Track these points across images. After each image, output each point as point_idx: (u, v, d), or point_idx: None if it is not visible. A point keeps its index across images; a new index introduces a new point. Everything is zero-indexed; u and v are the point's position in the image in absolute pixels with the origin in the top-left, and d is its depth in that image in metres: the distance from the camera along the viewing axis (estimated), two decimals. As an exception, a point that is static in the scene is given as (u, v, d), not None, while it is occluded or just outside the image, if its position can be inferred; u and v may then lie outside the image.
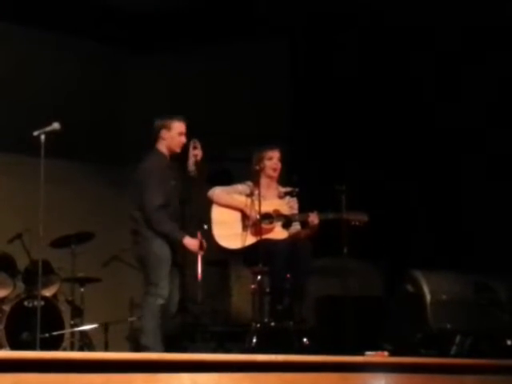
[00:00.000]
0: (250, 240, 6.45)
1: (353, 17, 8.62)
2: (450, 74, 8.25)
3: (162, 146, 6.31)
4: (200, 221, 6.46)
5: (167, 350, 5.92)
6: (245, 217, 6.54)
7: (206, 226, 6.41)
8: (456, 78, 8.20)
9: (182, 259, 6.32)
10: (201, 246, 6.15)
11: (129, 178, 6.52)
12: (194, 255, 6.20)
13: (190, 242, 6.13)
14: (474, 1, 7.90)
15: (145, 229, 6.13)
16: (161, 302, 6.02)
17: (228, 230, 6.52)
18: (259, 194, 6.39)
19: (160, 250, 6.09)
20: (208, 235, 6.48)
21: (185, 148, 6.33)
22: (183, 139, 6.30)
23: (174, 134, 6.28)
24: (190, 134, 6.37)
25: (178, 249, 6.20)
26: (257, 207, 6.39)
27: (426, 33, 8.25)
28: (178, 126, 6.29)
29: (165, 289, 6.03)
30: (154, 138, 6.35)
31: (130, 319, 8.08)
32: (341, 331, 5.99)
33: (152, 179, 6.17)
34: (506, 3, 7.76)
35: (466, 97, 8.11)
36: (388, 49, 8.54)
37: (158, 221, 6.07)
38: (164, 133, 6.28)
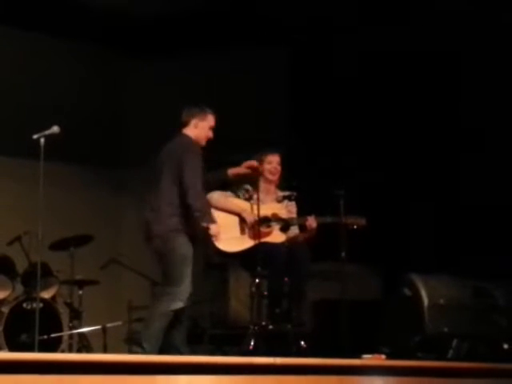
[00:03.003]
0: (249, 243, 6.46)
1: (351, 21, 8.64)
2: (450, 74, 8.27)
3: (192, 134, 6.21)
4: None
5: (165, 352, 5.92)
6: (243, 220, 6.55)
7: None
8: (456, 77, 8.22)
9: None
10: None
11: (155, 159, 6.29)
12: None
13: (217, 231, 6.07)
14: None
15: (164, 226, 5.97)
16: (180, 305, 5.89)
17: (226, 234, 6.51)
18: (257, 198, 6.41)
19: (186, 248, 5.97)
20: (207, 239, 6.50)
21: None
22: (211, 134, 6.27)
23: (206, 126, 6.24)
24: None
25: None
26: (255, 211, 6.41)
27: (426, 34, 8.27)
28: (211, 119, 6.27)
29: (187, 291, 5.92)
30: (182, 124, 6.26)
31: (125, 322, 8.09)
32: (338, 334, 6.00)
33: (195, 155, 6.05)
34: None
35: (465, 96, 8.12)
36: (387, 53, 8.57)
37: (196, 196, 5.90)
38: (196, 122, 6.22)
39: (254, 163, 6.47)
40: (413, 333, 6.58)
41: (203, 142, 6.26)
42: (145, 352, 5.69)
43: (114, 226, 9.57)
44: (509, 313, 6.72)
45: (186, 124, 6.27)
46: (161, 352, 5.82)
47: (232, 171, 6.51)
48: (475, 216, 7.84)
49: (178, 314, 6.02)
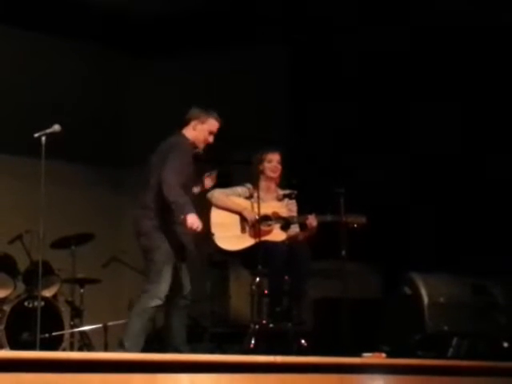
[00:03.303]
0: (249, 242, 6.48)
1: (350, 21, 8.65)
2: (450, 73, 8.27)
3: (189, 135, 6.14)
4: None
5: (166, 350, 5.93)
6: (243, 219, 6.57)
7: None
8: (456, 77, 8.22)
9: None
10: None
11: (149, 158, 6.17)
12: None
13: (194, 221, 5.77)
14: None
15: (151, 223, 5.94)
16: (158, 302, 5.85)
17: (227, 232, 6.54)
18: (258, 197, 6.42)
19: (166, 246, 5.91)
20: (207, 237, 6.51)
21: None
22: (211, 139, 6.16)
23: (205, 129, 6.14)
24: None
25: (187, 243, 6.06)
26: (256, 209, 6.42)
27: (426, 34, 8.28)
28: (212, 124, 6.16)
29: (165, 290, 5.86)
30: (183, 124, 6.20)
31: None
32: (339, 333, 6.01)
33: (180, 153, 5.96)
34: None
35: (467, 96, 8.12)
36: (387, 51, 8.57)
37: (169, 189, 5.78)
38: (196, 123, 6.14)
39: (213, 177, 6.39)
40: (413, 331, 6.59)
41: (201, 145, 6.16)
42: (126, 350, 5.62)
43: (115, 225, 9.59)
44: (508, 311, 6.72)
45: (185, 124, 6.21)
46: (161, 352, 5.82)
47: (198, 189, 6.37)
48: (475, 215, 7.85)
49: (177, 313, 6.03)
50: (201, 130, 6.14)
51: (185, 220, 5.75)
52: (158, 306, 5.88)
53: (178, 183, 5.83)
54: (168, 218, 5.94)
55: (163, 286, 5.87)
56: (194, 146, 6.14)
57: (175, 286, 5.98)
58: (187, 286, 6.10)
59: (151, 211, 5.97)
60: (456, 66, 8.25)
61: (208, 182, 6.40)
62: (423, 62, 8.40)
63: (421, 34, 8.29)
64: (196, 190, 6.33)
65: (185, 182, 5.93)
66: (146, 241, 5.99)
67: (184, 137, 6.16)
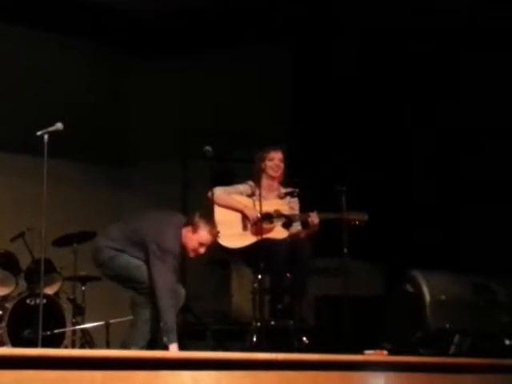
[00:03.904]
0: (251, 239, 6.48)
1: (352, 19, 8.65)
2: (450, 73, 8.27)
3: (183, 237, 5.92)
4: None
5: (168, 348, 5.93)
6: (245, 217, 6.57)
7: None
8: (456, 77, 8.22)
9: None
10: None
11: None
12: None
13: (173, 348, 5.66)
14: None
15: (111, 248, 5.92)
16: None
17: (229, 230, 6.53)
18: (260, 194, 6.43)
19: (133, 261, 5.89)
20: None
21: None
22: (201, 250, 5.93)
23: (194, 239, 5.87)
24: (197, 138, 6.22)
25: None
26: (257, 207, 6.43)
27: (426, 33, 8.28)
28: (204, 237, 5.89)
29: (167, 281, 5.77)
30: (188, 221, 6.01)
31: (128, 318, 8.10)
32: (340, 330, 6.01)
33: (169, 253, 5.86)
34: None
35: (466, 96, 8.12)
36: (387, 49, 8.57)
37: (165, 302, 5.73)
38: (187, 229, 5.88)
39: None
40: (415, 329, 6.58)
41: (190, 253, 5.96)
42: None
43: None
44: (510, 309, 6.73)
45: (188, 223, 5.97)
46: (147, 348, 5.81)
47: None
48: (477, 212, 7.85)
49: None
50: (191, 239, 5.91)
51: (167, 347, 5.66)
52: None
53: (169, 284, 5.77)
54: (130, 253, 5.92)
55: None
56: (182, 248, 5.96)
57: None
58: (181, 291, 6.07)
59: (113, 241, 5.96)
60: (455, 66, 8.25)
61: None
62: (424, 61, 8.39)
63: (421, 33, 8.29)
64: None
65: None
66: (107, 270, 6.02)
67: (175, 233, 5.94)
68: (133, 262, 5.90)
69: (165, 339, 5.67)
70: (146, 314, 5.89)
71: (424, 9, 8.16)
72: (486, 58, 7.96)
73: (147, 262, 5.82)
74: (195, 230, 5.89)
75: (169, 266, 5.78)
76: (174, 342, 5.67)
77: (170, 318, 5.71)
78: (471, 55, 8.07)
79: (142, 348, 5.78)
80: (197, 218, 5.92)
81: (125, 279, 5.96)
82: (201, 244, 5.90)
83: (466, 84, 8.11)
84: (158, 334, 5.79)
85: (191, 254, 5.97)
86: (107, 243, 6.00)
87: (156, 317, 5.87)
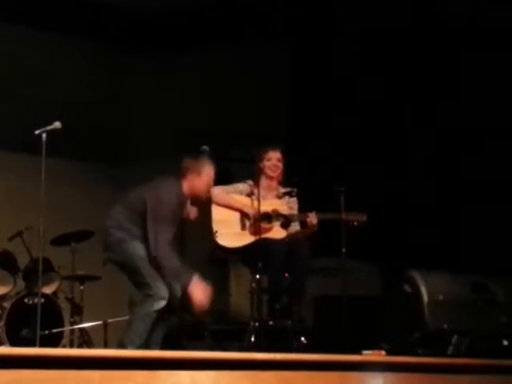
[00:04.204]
0: (249, 239, 6.49)
1: (352, 18, 8.65)
2: (450, 73, 8.27)
3: (186, 188, 6.00)
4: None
5: (166, 347, 5.93)
6: (244, 216, 6.57)
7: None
8: (456, 77, 8.22)
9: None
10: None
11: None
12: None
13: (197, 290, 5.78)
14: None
15: (120, 233, 5.92)
16: (162, 303, 5.77)
17: (227, 229, 6.54)
18: (258, 194, 6.43)
19: (140, 248, 5.85)
20: (208, 234, 6.52)
21: None
22: (211, 183, 6.09)
23: (203, 180, 6.02)
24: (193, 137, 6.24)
25: None
26: (256, 206, 6.43)
27: (426, 34, 8.28)
28: (209, 171, 6.03)
29: (162, 288, 5.78)
30: (180, 172, 6.07)
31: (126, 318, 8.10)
32: (338, 330, 6.01)
33: (170, 206, 5.88)
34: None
35: (466, 96, 8.12)
36: (387, 49, 8.57)
37: (164, 252, 5.77)
38: (192, 176, 5.98)
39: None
40: (413, 329, 6.58)
41: (202, 195, 6.06)
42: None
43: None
44: (509, 309, 6.73)
45: (182, 174, 6.03)
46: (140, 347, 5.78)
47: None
48: (475, 212, 7.85)
49: (161, 325, 5.96)
50: (199, 182, 6.00)
51: (189, 293, 5.73)
52: (161, 308, 5.81)
53: (168, 240, 5.78)
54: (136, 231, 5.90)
55: (160, 284, 5.81)
56: (193, 197, 6.05)
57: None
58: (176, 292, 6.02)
59: (120, 223, 5.96)
60: (455, 65, 8.25)
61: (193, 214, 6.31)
62: (424, 61, 8.40)
63: (420, 32, 8.29)
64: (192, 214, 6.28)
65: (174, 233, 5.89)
66: (113, 255, 6.01)
67: (178, 187, 5.99)
68: (139, 252, 5.85)
69: (178, 287, 5.76)
70: (140, 311, 5.86)
71: (424, 9, 8.16)
72: (485, 58, 7.96)
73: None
74: (199, 172, 5.97)
75: (167, 225, 5.78)
76: (190, 279, 5.70)
77: (173, 264, 5.73)
78: (471, 55, 8.06)
79: (138, 347, 5.75)
80: (192, 163, 5.99)
81: (129, 269, 5.95)
82: (208, 182, 6.02)
83: (465, 84, 8.10)
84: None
85: (203, 195, 6.03)
86: (112, 223, 6.00)
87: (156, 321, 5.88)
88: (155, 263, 5.80)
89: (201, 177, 6.01)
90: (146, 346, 5.89)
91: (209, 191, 6.14)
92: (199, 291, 5.81)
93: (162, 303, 5.79)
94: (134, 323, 5.86)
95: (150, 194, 5.91)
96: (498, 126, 7.91)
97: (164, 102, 9.69)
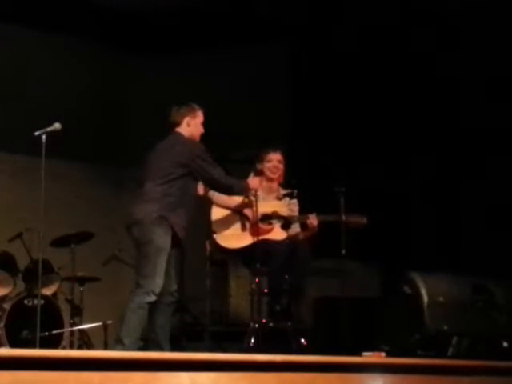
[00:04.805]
0: (249, 240, 6.48)
1: (352, 18, 8.65)
2: (450, 73, 8.27)
3: (186, 133, 6.21)
4: None
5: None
6: (244, 217, 6.57)
7: None
8: (455, 77, 8.22)
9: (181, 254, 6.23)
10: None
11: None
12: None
13: (254, 182, 6.37)
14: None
15: (150, 210, 5.92)
16: (153, 298, 5.81)
17: (227, 230, 6.54)
18: (255, 195, 6.44)
19: (163, 239, 5.88)
20: (207, 235, 6.52)
21: None
22: (203, 129, 6.28)
23: (198, 123, 6.25)
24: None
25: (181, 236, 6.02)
26: (255, 208, 6.44)
27: (425, 33, 8.28)
28: (201, 116, 6.28)
29: (159, 285, 5.82)
30: (175, 124, 6.24)
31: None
32: (338, 332, 6.02)
33: (198, 149, 6.12)
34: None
35: (466, 95, 8.12)
36: (389, 49, 8.57)
37: (224, 183, 6.18)
38: (189, 120, 6.21)
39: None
40: (413, 330, 6.59)
41: (198, 139, 6.26)
42: (125, 348, 5.60)
43: (115, 223, 9.58)
44: (508, 311, 6.73)
45: (178, 124, 6.24)
46: (143, 348, 5.80)
47: None
48: (475, 214, 7.85)
49: (163, 310, 5.99)
50: (195, 125, 6.23)
51: (248, 189, 6.33)
52: (152, 302, 5.84)
53: (220, 174, 6.13)
54: (163, 207, 5.93)
55: (158, 281, 5.83)
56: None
57: (164, 282, 5.94)
58: (174, 282, 6.06)
59: (144, 204, 5.97)
60: (455, 66, 8.25)
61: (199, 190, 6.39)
62: (424, 59, 8.39)
63: (420, 32, 8.29)
64: (201, 190, 6.34)
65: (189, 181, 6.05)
66: (138, 233, 5.94)
67: (184, 135, 6.20)
68: (158, 242, 5.86)
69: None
70: (131, 304, 5.85)
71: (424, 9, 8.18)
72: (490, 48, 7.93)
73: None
74: (194, 115, 6.23)
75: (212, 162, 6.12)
76: (243, 185, 6.33)
77: (230, 182, 6.21)
78: (471, 52, 8.06)
79: (134, 341, 5.75)
80: (183, 109, 6.28)
81: (142, 252, 5.94)
82: (202, 123, 6.28)
83: (465, 84, 8.09)
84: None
85: (198, 139, 6.25)
86: (145, 198, 6.02)
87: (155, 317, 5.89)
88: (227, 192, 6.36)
89: (195, 118, 6.24)
90: (153, 331, 5.94)
91: (201, 135, 6.26)
92: (255, 183, 6.37)
93: (153, 298, 5.82)
94: (127, 317, 5.85)
95: (174, 151, 6.06)
96: (498, 125, 7.90)
97: (164, 102, 9.67)
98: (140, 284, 5.87)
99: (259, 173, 6.67)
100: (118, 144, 9.86)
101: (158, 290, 5.82)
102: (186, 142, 6.16)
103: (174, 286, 6.07)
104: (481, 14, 7.89)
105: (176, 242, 6.01)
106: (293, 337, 6.33)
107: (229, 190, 6.31)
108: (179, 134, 6.21)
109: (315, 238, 6.59)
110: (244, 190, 6.34)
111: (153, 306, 5.94)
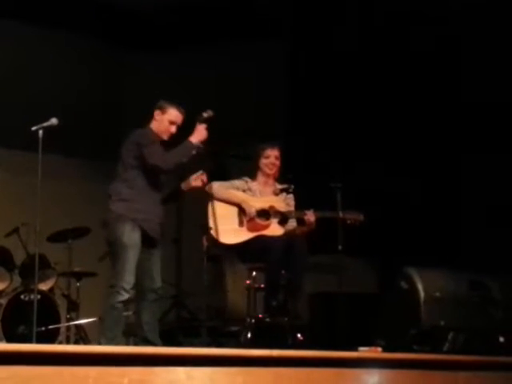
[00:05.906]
0: (246, 236, 6.48)
1: (351, 16, 8.65)
2: (449, 73, 8.28)
3: (153, 126, 6.12)
4: None
5: (163, 344, 5.92)
6: (241, 212, 6.56)
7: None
8: (456, 77, 8.23)
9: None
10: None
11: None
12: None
13: (199, 132, 6.06)
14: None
15: (114, 209, 5.91)
16: (125, 296, 5.78)
17: (224, 225, 6.52)
18: (249, 190, 6.43)
19: (128, 236, 5.83)
20: (204, 230, 6.51)
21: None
22: (172, 129, 6.08)
23: (165, 119, 6.09)
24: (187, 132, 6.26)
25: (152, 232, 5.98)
26: (252, 203, 6.43)
27: (426, 32, 8.29)
28: (174, 115, 6.09)
29: (128, 282, 5.76)
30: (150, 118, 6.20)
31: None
32: (335, 327, 6.02)
33: (151, 139, 5.99)
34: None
35: (466, 94, 8.12)
36: (388, 46, 8.57)
37: (165, 163, 5.93)
38: (157, 113, 6.12)
39: (203, 177, 6.32)
40: (409, 325, 6.60)
41: (164, 136, 6.08)
42: None
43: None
44: (504, 306, 6.74)
45: (151, 117, 6.17)
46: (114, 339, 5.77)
47: (185, 186, 6.38)
48: (471, 210, 7.86)
49: (147, 307, 5.97)
50: (161, 120, 6.10)
51: (194, 142, 6.01)
52: (126, 300, 5.83)
53: (161, 159, 5.91)
54: (121, 206, 5.92)
55: (127, 278, 5.78)
56: (158, 137, 6.07)
57: (145, 279, 5.93)
58: (157, 280, 6.01)
59: (111, 201, 5.97)
60: (455, 66, 8.26)
61: (197, 182, 6.34)
62: (422, 58, 8.39)
63: (421, 33, 8.29)
64: (184, 186, 6.32)
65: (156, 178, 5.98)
66: (106, 233, 5.97)
67: (147, 129, 6.11)
68: (125, 238, 5.83)
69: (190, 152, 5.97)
70: (105, 304, 5.85)
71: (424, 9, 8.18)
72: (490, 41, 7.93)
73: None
74: (164, 110, 6.09)
75: (158, 147, 5.93)
76: (188, 143, 6.01)
77: (172, 158, 5.95)
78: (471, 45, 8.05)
79: (117, 334, 5.77)
80: (161, 102, 6.15)
81: (111, 251, 5.95)
82: (171, 122, 6.09)
83: (465, 83, 8.10)
84: None
85: (165, 137, 6.08)
86: (113, 197, 6.00)
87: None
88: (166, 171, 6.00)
89: (165, 114, 6.09)
90: (141, 328, 5.93)
91: (169, 135, 6.10)
92: (198, 134, 6.08)
93: (125, 296, 5.79)
94: (103, 317, 5.91)
95: (129, 143, 6.00)
96: (497, 123, 7.90)
97: (162, 99, 9.66)
98: (112, 284, 5.83)
99: (256, 168, 6.67)
100: (115, 139, 9.82)
101: (128, 287, 5.77)
102: (134, 133, 6.05)
103: (158, 284, 6.02)
104: (481, 14, 7.89)
105: (150, 239, 5.96)
106: (289, 332, 6.34)
107: (174, 161, 5.97)
108: (143, 128, 6.13)
109: (312, 233, 6.59)
110: (189, 148, 6.01)
111: (138, 304, 5.97)
